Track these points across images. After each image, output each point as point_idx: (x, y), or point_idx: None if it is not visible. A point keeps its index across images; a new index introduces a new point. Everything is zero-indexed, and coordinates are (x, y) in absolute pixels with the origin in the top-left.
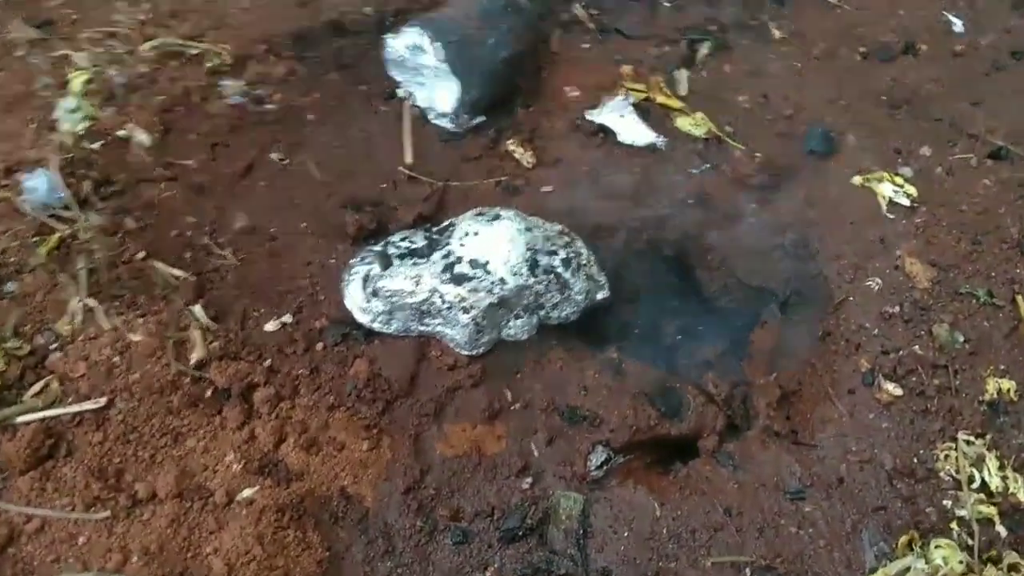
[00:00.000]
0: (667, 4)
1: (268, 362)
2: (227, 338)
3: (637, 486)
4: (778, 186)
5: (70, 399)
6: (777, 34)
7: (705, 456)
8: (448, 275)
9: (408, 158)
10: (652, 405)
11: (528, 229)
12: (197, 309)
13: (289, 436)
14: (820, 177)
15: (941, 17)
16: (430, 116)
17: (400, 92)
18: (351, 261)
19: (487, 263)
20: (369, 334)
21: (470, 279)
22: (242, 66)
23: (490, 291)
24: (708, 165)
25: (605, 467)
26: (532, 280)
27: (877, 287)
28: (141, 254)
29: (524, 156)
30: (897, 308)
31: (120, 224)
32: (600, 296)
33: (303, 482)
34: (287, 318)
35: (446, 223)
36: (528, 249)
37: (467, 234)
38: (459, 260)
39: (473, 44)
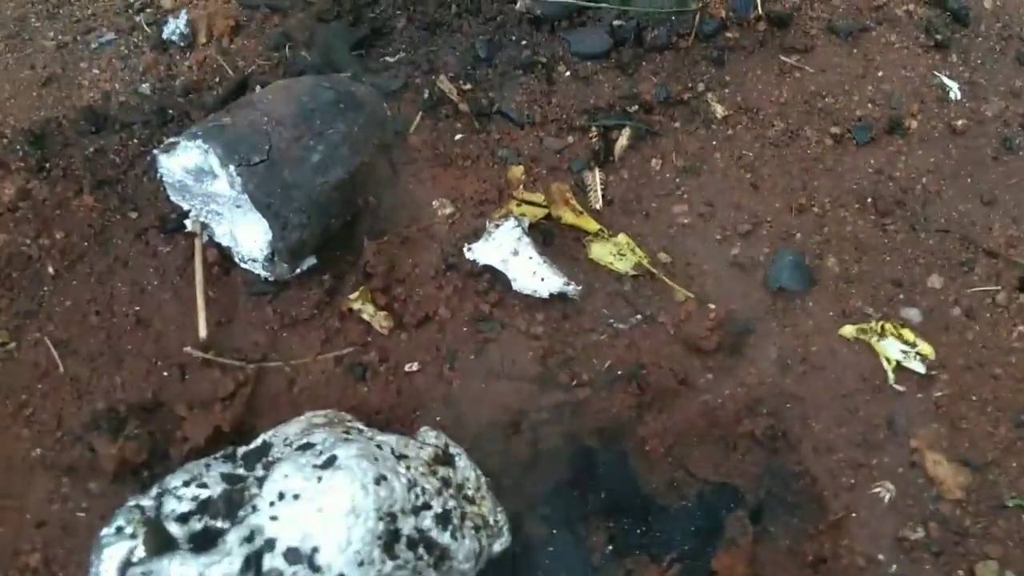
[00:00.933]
0: (567, 74)
1: None
2: None
3: None
4: (740, 343)
5: None
6: (719, 110)
7: None
8: None
9: (202, 331)
10: None
11: (381, 479)
12: None
13: None
14: (796, 327)
15: (931, 79)
16: (235, 258)
17: (189, 223)
18: (102, 533)
19: (314, 552)
20: None
21: None
22: None
23: None
24: (640, 317)
25: None
26: (391, 565)
27: (888, 497)
28: None
29: (376, 316)
30: (921, 532)
31: None
32: (498, 547)
33: None
34: None
35: (258, 442)
36: (381, 517)
37: (282, 496)
38: (269, 546)
39: (288, 164)
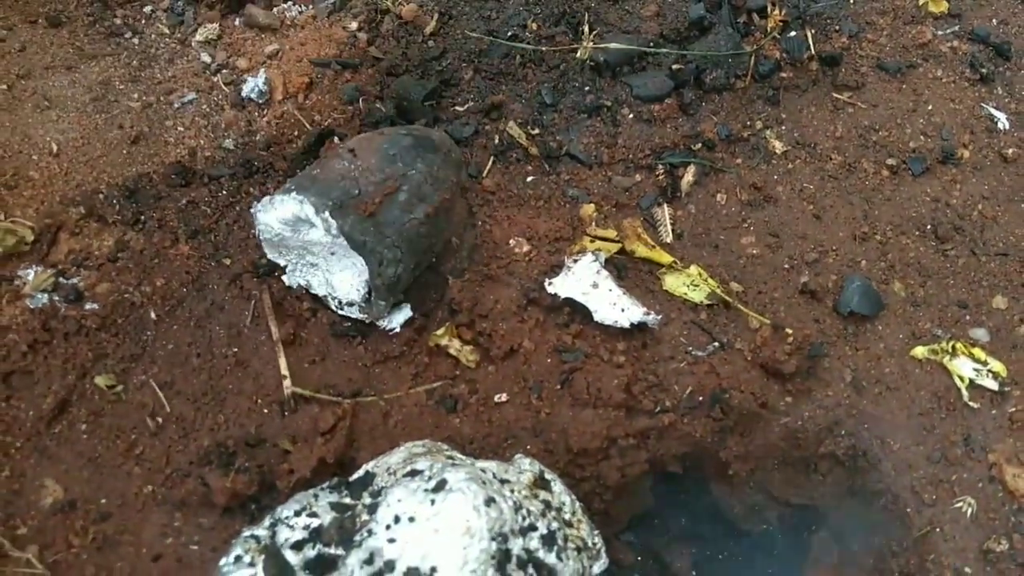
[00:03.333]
0: (631, 116)
1: None
2: None
3: None
4: (816, 368)
5: None
6: (779, 146)
7: None
8: None
9: (286, 379)
10: None
11: (490, 501)
12: None
13: None
14: (868, 350)
15: (979, 111)
16: (332, 305)
17: (287, 279)
18: (221, 563)
19: (433, 572)
20: None
21: None
22: (49, 243)
23: None
24: (717, 344)
25: None
26: None
27: (971, 511)
28: None
29: (463, 351)
30: (1005, 544)
31: None
32: (597, 569)
33: None
34: None
35: (361, 472)
36: (493, 538)
37: (397, 520)
38: (389, 567)
39: (377, 203)
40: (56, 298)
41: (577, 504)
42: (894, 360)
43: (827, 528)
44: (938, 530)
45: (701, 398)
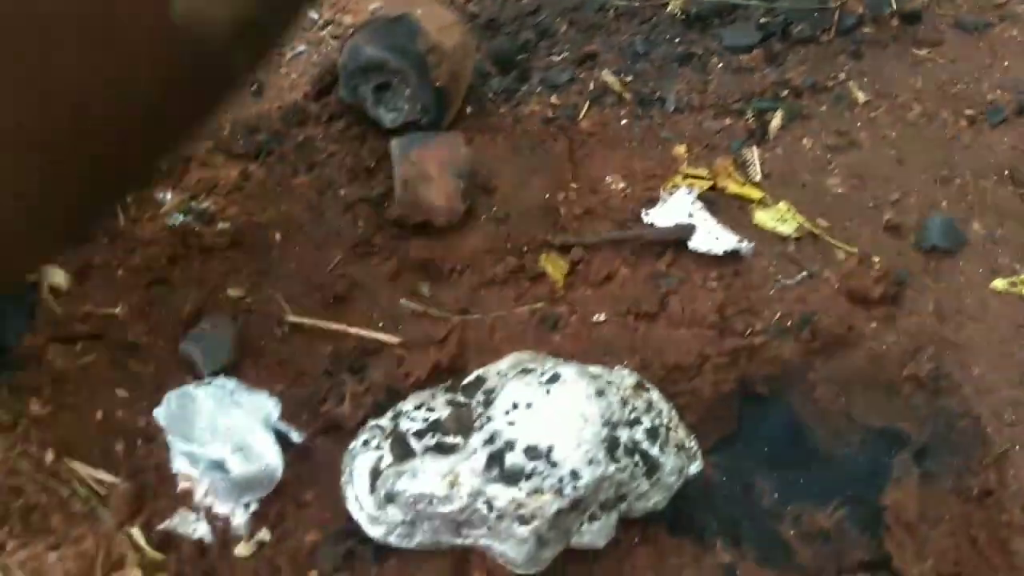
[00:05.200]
0: (720, 65)
1: None
2: (180, 573)
3: None
4: (900, 296)
5: None
6: (861, 96)
7: None
8: (496, 471)
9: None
10: None
11: (600, 393)
12: (136, 532)
13: None
14: (949, 282)
15: None
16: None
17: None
18: (351, 447)
19: (550, 450)
20: (382, 550)
21: (528, 476)
22: (180, 172)
23: (558, 491)
24: (806, 273)
25: None
26: (613, 467)
27: None
28: (50, 453)
29: (563, 277)
30: None
31: (19, 409)
32: (694, 469)
33: None
34: (263, 534)
35: (472, 377)
36: (604, 424)
37: (515, 406)
38: (509, 447)
39: None
40: (190, 219)
41: (673, 412)
42: (974, 292)
43: (908, 449)
44: (1017, 448)
45: (790, 323)
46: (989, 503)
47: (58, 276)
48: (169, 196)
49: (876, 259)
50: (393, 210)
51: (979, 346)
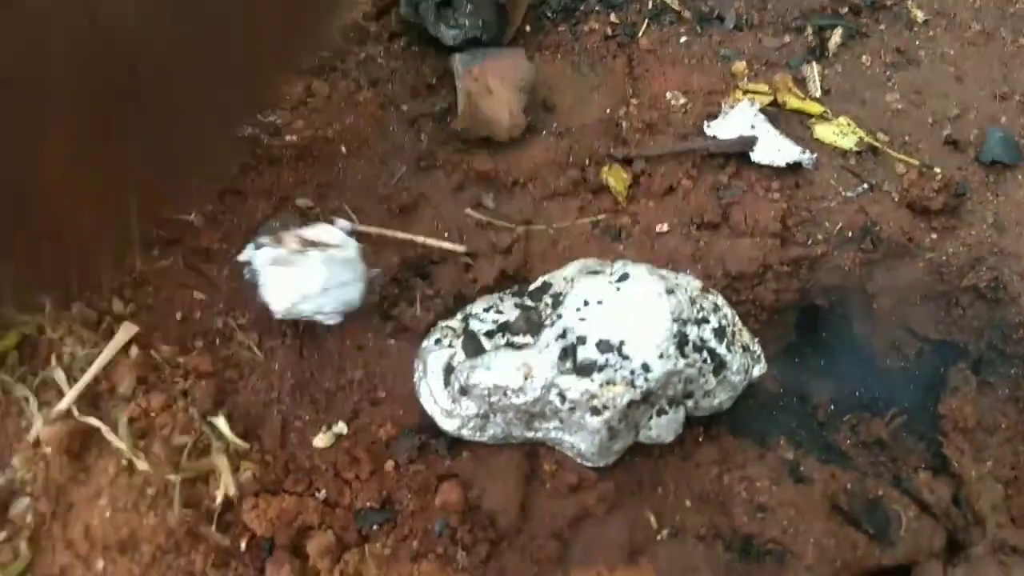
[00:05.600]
0: None
1: (323, 494)
2: (263, 462)
3: None
4: (959, 209)
5: None
6: (920, 15)
7: None
8: (569, 363)
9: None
10: (855, 525)
11: (670, 291)
12: (220, 422)
13: None
14: (1009, 196)
15: None
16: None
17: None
18: (423, 345)
19: (622, 344)
20: (454, 443)
21: (601, 368)
22: None
23: (630, 383)
24: (866, 185)
25: None
26: (682, 362)
27: None
28: (135, 348)
29: (626, 190)
30: None
31: (103, 307)
32: (757, 372)
33: None
34: (340, 427)
35: (539, 283)
36: (674, 320)
37: (586, 303)
38: (581, 341)
39: None
40: (258, 131)
41: (736, 317)
42: None
43: (965, 360)
44: None
45: (851, 233)
46: None
47: None
48: None
49: (938, 169)
50: (456, 124)
51: None
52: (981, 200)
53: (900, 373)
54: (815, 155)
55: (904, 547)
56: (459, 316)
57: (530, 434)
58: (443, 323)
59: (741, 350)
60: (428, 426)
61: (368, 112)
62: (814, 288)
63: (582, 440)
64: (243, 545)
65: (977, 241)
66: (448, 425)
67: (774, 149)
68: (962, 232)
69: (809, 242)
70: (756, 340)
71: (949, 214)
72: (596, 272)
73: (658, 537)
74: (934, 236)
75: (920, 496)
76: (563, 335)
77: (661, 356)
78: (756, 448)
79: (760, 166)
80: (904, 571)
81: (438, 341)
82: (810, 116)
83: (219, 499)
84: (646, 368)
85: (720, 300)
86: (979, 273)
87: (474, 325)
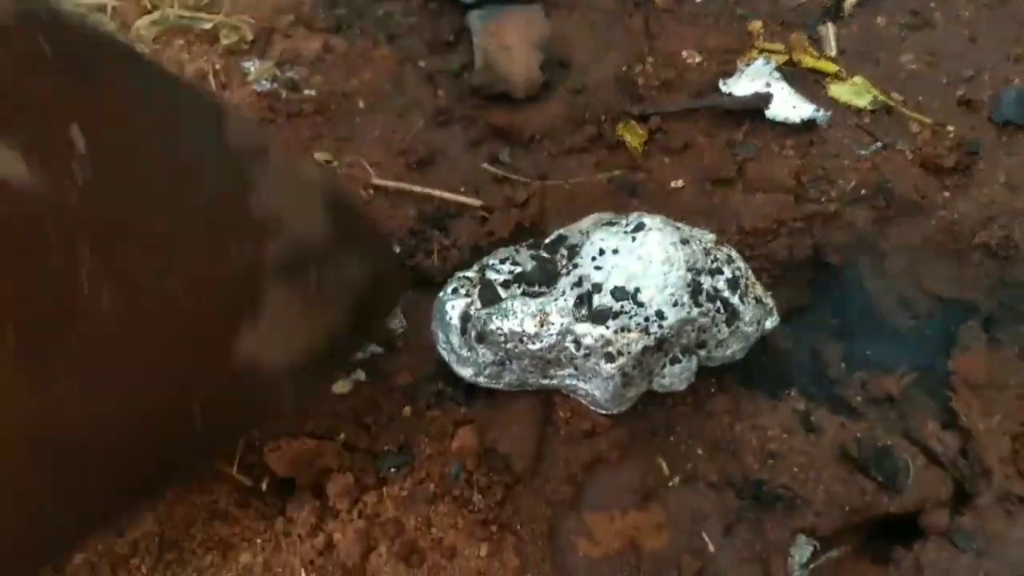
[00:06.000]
0: None
1: (342, 437)
2: None
3: None
4: (972, 167)
5: None
6: None
7: (935, 537)
8: (584, 310)
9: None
10: (864, 472)
11: (684, 242)
12: None
13: (380, 542)
14: (1020, 154)
15: None
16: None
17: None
18: (441, 295)
19: (637, 291)
20: (471, 390)
21: (616, 315)
22: (266, 43)
23: (644, 330)
24: (880, 144)
25: (811, 565)
26: (696, 311)
27: None
28: None
29: (641, 146)
30: None
31: None
32: (770, 324)
33: None
34: (359, 374)
35: (554, 235)
36: (689, 269)
37: (602, 252)
38: (597, 289)
39: None
40: (277, 86)
41: (750, 271)
42: None
43: (976, 318)
44: None
45: (864, 191)
46: None
47: None
48: (255, 65)
49: (951, 127)
50: (473, 79)
51: None
52: (993, 160)
53: (911, 330)
54: (830, 113)
55: (912, 495)
56: (476, 267)
57: (545, 381)
58: (460, 273)
59: (754, 302)
60: (445, 374)
61: (385, 68)
62: (827, 245)
63: (596, 387)
64: (264, 485)
65: (989, 200)
66: (464, 372)
67: (789, 106)
68: (974, 191)
69: (822, 199)
70: (769, 295)
71: (961, 173)
72: (611, 223)
73: (670, 483)
74: (946, 194)
75: (928, 446)
76: (579, 283)
77: (675, 304)
78: (767, 399)
79: (775, 123)
80: (911, 518)
81: (455, 290)
82: (825, 75)
83: (241, 441)
84: (660, 316)
85: (734, 253)
86: (991, 231)
87: (490, 275)
